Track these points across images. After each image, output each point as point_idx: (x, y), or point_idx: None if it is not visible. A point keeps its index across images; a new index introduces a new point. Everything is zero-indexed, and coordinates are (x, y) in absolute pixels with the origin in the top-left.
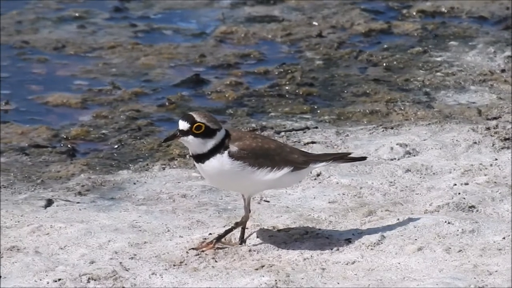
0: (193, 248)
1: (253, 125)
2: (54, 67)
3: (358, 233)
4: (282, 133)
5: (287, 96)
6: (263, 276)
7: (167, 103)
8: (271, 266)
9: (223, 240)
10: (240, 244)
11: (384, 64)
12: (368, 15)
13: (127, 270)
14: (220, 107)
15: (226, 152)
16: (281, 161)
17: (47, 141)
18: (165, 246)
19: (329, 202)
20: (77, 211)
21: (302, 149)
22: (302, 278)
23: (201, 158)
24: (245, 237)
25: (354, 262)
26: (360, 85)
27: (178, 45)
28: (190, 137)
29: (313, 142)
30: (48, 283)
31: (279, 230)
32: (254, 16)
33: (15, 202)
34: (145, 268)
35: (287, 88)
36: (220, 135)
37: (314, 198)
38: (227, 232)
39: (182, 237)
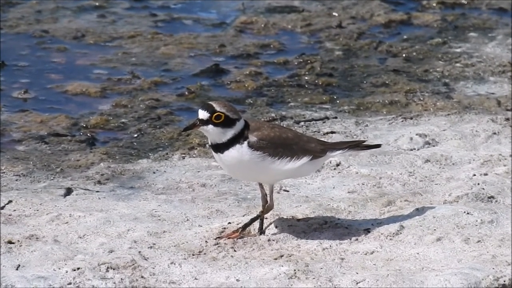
0: (218, 237)
1: (273, 115)
2: (74, 56)
3: (377, 223)
4: (302, 123)
5: (306, 86)
6: (282, 266)
7: (186, 93)
8: (290, 256)
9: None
10: (260, 234)
11: (404, 55)
12: (388, 6)
13: (146, 259)
14: (240, 97)
15: (245, 142)
16: (299, 150)
17: (67, 130)
18: (184, 235)
19: (349, 192)
20: (97, 200)
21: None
22: (321, 268)
23: (220, 148)
24: (264, 228)
25: (373, 252)
26: (379, 76)
27: (198, 35)
28: (210, 127)
29: (332, 132)
30: (66, 272)
31: (298, 220)
32: (274, 7)
33: (34, 190)
34: (164, 257)
35: (306, 78)
36: (239, 125)
37: (334, 188)
38: (253, 220)
39: (201, 226)
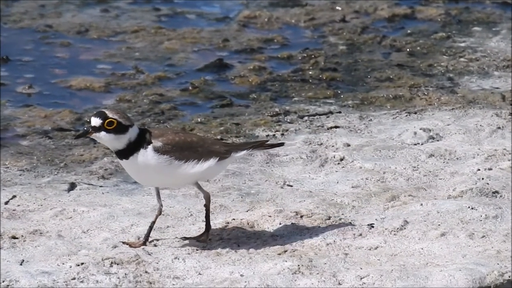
0: (124, 242)
1: (277, 109)
2: (78, 51)
3: (381, 218)
4: (306, 118)
5: (310, 81)
6: (286, 261)
7: (190, 88)
8: (294, 251)
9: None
10: (144, 242)
11: (408, 49)
12: (391, 0)
13: (149, 254)
14: (244, 92)
15: (150, 147)
16: (205, 152)
17: (71, 125)
18: (188, 230)
19: (352, 187)
20: (100, 195)
21: (222, 140)
22: (325, 263)
23: (123, 154)
24: (149, 236)
25: (377, 247)
26: (383, 70)
27: (201, 29)
28: (103, 133)
29: (336, 127)
30: (70, 267)
31: (302, 215)
32: (277, 1)
33: (38, 185)
34: (167, 252)
35: (310, 73)
36: (132, 131)
37: (337, 182)
38: (151, 227)
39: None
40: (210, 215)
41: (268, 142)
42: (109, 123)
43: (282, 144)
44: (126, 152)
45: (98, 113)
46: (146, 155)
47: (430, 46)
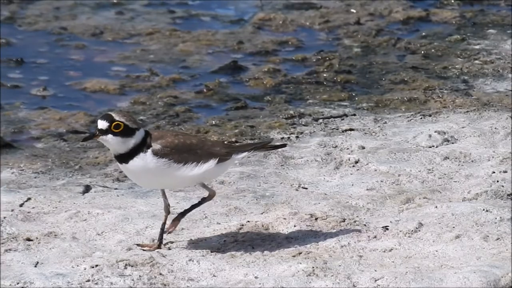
0: (138, 245)
1: (291, 112)
2: (92, 53)
3: (395, 221)
4: (320, 120)
5: (325, 83)
6: (300, 263)
7: (205, 90)
8: (308, 253)
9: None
10: (159, 246)
11: (422, 52)
12: (406, 3)
13: (164, 257)
14: (258, 94)
15: (149, 150)
16: (204, 154)
17: (85, 127)
18: (203, 232)
19: (367, 189)
20: (115, 197)
21: (224, 141)
22: (340, 265)
23: (124, 158)
24: (163, 239)
25: (392, 249)
26: (398, 73)
27: (216, 31)
28: (109, 136)
29: (351, 129)
30: (85, 269)
31: (316, 218)
32: (292, 3)
33: (53, 188)
34: (182, 254)
35: (325, 75)
36: (139, 134)
37: (352, 185)
38: (162, 230)
39: (219, 223)
40: (224, 218)
41: (270, 144)
42: (116, 126)
43: (284, 146)
44: (127, 156)
45: (104, 115)
46: (146, 158)
47: (444, 49)
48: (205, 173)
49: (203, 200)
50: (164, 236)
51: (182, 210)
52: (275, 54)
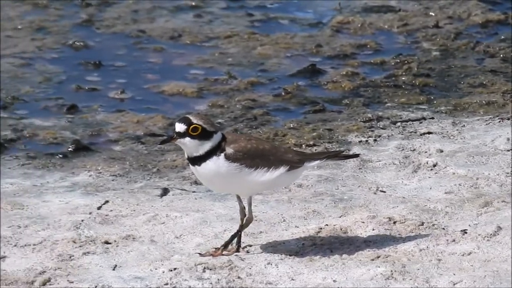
0: (200, 254)
1: (369, 115)
2: (170, 56)
3: (474, 224)
4: (398, 124)
5: (403, 86)
6: (379, 267)
7: (283, 93)
8: (386, 257)
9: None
10: (237, 250)
11: (501, 55)
12: (485, 6)
13: (242, 260)
14: (336, 97)
15: (222, 154)
16: (276, 161)
17: (163, 130)
18: (281, 236)
19: (445, 193)
20: (193, 200)
21: (296, 149)
22: (418, 269)
23: (197, 161)
24: (241, 243)
25: (470, 253)
26: (476, 76)
27: (294, 34)
28: (187, 139)
29: (429, 133)
30: (163, 272)
31: (395, 221)
32: (370, 6)
33: (131, 191)
34: (260, 258)
35: (403, 78)
36: (216, 137)
37: (431, 188)
38: (233, 237)
39: (298, 227)
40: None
41: (343, 153)
42: (193, 129)
43: (357, 156)
44: (200, 159)
45: (182, 118)
46: (218, 162)
47: None
48: (276, 180)
49: (241, 228)
50: (243, 240)
51: (223, 242)
52: (353, 57)
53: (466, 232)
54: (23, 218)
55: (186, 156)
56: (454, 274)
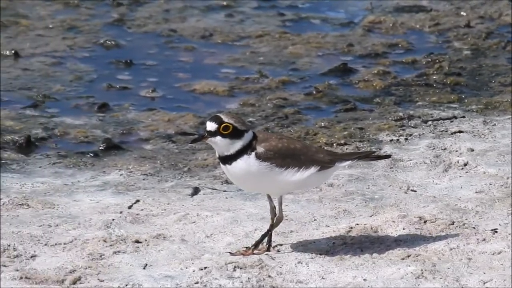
0: (231, 253)
1: (400, 114)
2: (202, 55)
3: (504, 223)
4: (429, 122)
5: (434, 85)
6: (409, 266)
7: (314, 92)
8: (417, 256)
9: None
10: (267, 249)
11: None
12: None
13: (273, 259)
14: (367, 96)
15: (253, 153)
16: (307, 160)
17: (194, 129)
18: (311, 235)
19: (476, 192)
20: (224, 200)
21: (329, 149)
22: (448, 268)
23: (227, 159)
24: (272, 242)
25: (501, 252)
26: (507, 75)
27: (326, 34)
28: (218, 138)
29: (460, 132)
30: (194, 271)
31: (425, 220)
32: (402, 6)
33: (162, 190)
34: (291, 257)
35: (434, 77)
36: (248, 136)
37: (461, 188)
38: (264, 236)
39: (328, 226)
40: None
41: (375, 154)
42: (224, 128)
43: (388, 157)
44: (231, 158)
45: (213, 117)
46: (249, 161)
47: None
48: (307, 180)
49: (271, 227)
50: (274, 239)
51: (254, 241)
52: (385, 56)
53: (496, 231)
54: (53, 217)
55: (217, 155)
56: (484, 273)
